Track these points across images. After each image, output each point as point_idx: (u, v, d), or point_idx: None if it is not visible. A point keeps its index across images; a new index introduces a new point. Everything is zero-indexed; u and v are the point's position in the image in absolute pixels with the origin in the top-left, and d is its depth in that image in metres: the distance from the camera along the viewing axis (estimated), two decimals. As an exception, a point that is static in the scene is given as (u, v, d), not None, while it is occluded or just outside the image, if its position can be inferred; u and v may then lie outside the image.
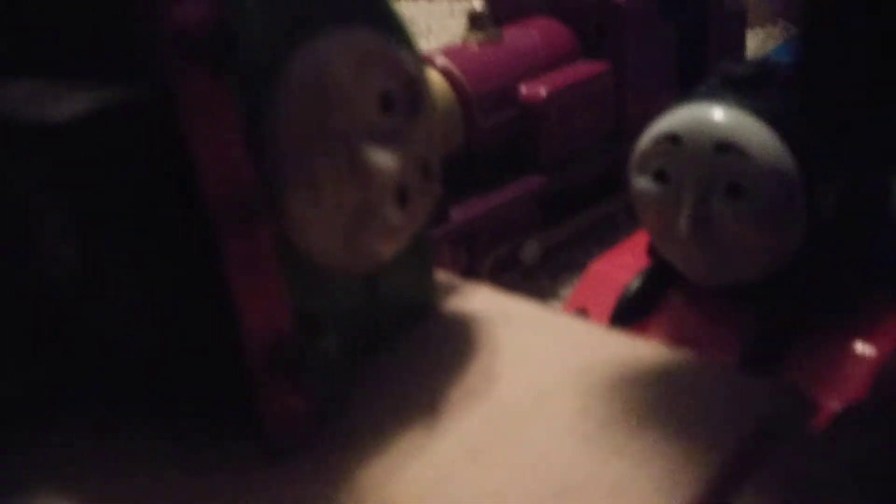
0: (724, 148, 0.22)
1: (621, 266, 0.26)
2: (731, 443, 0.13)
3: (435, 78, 0.38)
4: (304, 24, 0.14)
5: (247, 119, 0.13)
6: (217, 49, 0.11)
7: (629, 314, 0.25)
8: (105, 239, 0.14)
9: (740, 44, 0.58)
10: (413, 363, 0.16)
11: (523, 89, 0.42)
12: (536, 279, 0.40)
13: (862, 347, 0.22)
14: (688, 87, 0.26)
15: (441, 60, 0.40)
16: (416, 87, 0.16)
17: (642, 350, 0.16)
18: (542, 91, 0.41)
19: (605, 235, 0.42)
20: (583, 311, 0.26)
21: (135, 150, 0.13)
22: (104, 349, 0.16)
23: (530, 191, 0.41)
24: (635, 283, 0.25)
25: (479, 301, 0.18)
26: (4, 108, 0.14)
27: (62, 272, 0.15)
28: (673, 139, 0.23)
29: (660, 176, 0.23)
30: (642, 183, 0.23)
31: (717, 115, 0.22)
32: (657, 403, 0.14)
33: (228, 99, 0.12)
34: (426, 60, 0.38)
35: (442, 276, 0.19)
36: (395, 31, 0.16)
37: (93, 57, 0.14)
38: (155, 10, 0.11)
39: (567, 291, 0.38)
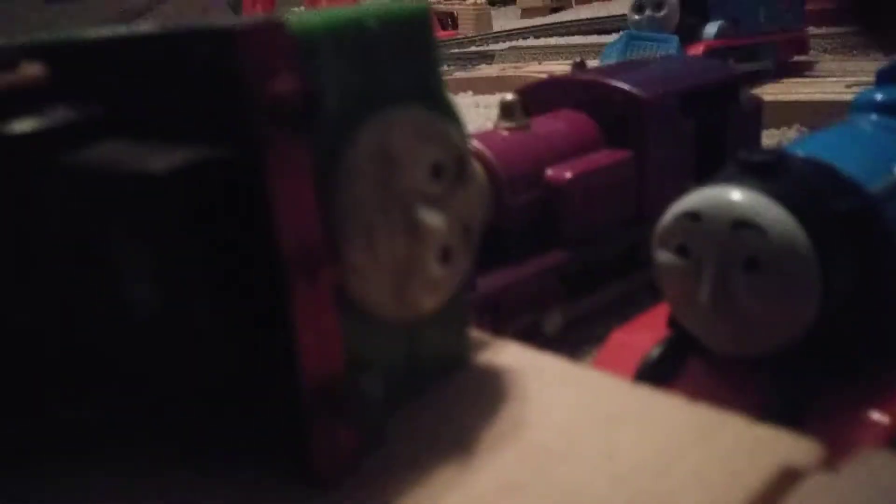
0: (741, 225, 0.24)
1: (642, 335, 0.28)
2: (753, 486, 0.14)
3: (467, 158, 0.41)
4: (371, 99, 0.16)
5: (318, 179, 0.15)
6: (304, 118, 0.13)
7: (649, 381, 0.26)
8: (183, 283, 0.16)
9: (756, 138, 0.61)
10: (448, 409, 0.18)
11: (549, 172, 0.44)
12: (557, 350, 0.41)
13: (877, 416, 0.23)
14: (706, 176, 0.28)
15: (474, 143, 0.42)
16: (462, 159, 0.18)
17: (668, 402, 0.17)
18: (567, 174, 0.44)
19: (625, 311, 0.43)
20: (603, 378, 0.27)
21: (219, 202, 0.15)
22: (168, 388, 0.17)
23: (554, 265, 0.42)
24: (656, 351, 0.26)
25: (510, 356, 0.20)
26: (100, 161, 0.16)
27: (138, 313, 0.17)
28: (694, 216, 0.24)
29: (681, 251, 0.25)
30: (665, 257, 0.25)
31: (735, 195, 0.24)
32: (681, 449, 0.15)
33: (307, 162, 0.14)
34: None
35: (475, 333, 0.21)
36: (444, 110, 0.18)
37: (184, 121, 0.16)
38: (252, 80, 0.13)
39: (587, 363, 0.39)
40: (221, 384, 0.16)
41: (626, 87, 0.47)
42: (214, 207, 0.15)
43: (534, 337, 0.41)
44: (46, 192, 0.16)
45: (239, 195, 0.15)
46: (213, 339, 0.16)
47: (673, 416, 0.16)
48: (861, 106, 0.33)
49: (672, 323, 0.26)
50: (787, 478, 0.14)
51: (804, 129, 0.95)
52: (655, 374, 0.25)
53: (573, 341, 0.42)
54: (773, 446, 0.15)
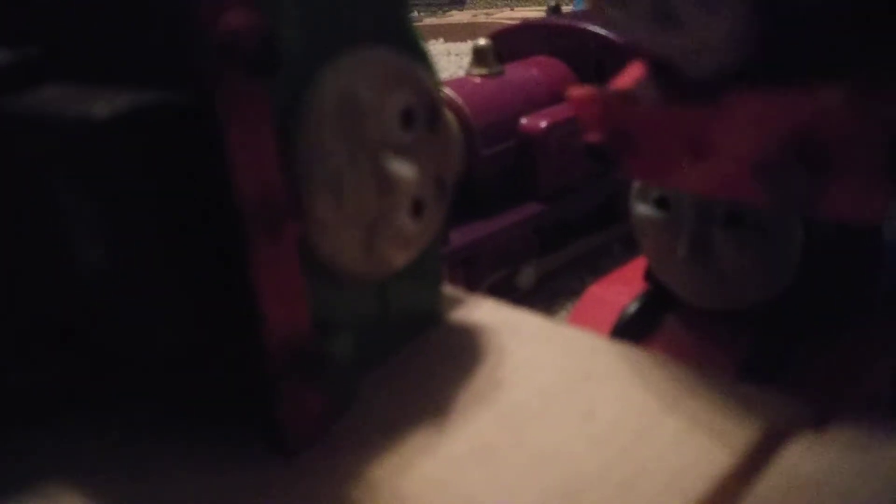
0: None
1: (619, 290, 0.27)
2: (739, 446, 0.13)
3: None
4: (336, 41, 0.15)
5: (278, 127, 0.14)
6: (260, 58, 0.12)
7: (626, 336, 0.25)
8: (134, 239, 0.15)
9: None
10: (421, 369, 0.17)
11: (523, 121, 0.43)
12: (531, 304, 0.41)
13: (856, 374, 0.22)
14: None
15: (445, 91, 0.41)
16: (434, 105, 0.16)
17: (648, 360, 0.16)
18: (542, 123, 0.42)
19: (599, 265, 0.43)
20: (579, 333, 0.27)
21: (170, 151, 0.14)
22: (124, 347, 0.16)
23: (528, 218, 0.42)
24: (633, 306, 0.26)
25: (485, 312, 0.19)
26: (42, 107, 0.14)
27: (90, 270, 0.16)
28: None
29: (660, 203, 0.24)
30: (643, 209, 0.24)
31: None
32: (663, 408, 0.15)
33: (266, 107, 0.13)
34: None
35: (448, 289, 0.20)
36: (416, 52, 0.17)
37: (130, 62, 0.15)
38: (202, 16, 0.12)
39: (561, 317, 0.39)
40: (181, 346, 0.15)
41: (602, 31, 0.46)
42: (166, 156, 0.14)
43: (507, 291, 0.40)
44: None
45: (192, 143, 0.14)
46: (170, 298, 0.15)
47: (654, 374, 0.16)
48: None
49: (649, 277, 0.26)
50: (774, 438, 0.14)
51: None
52: (632, 329, 0.25)
53: (547, 295, 0.42)
54: (758, 406, 0.14)
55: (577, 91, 0.20)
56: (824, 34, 0.15)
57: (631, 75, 0.20)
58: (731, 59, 0.16)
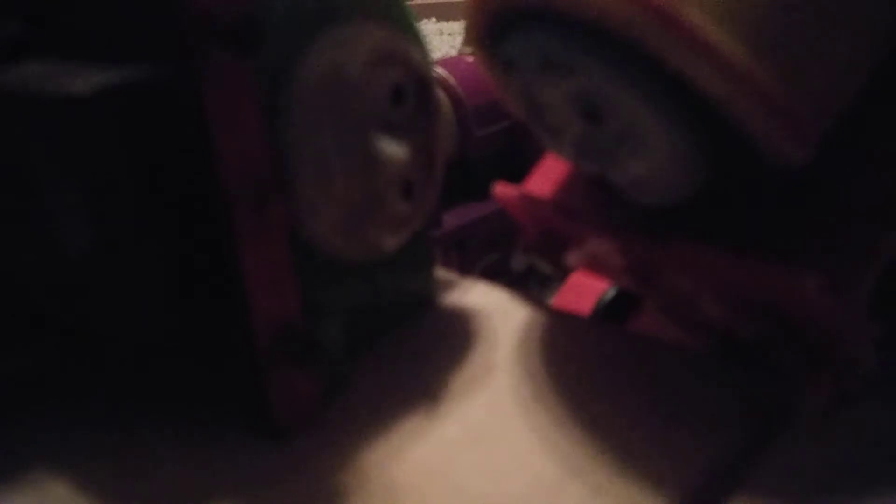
0: None
1: (599, 277, 0.27)
2: (732, 428, 0.13)
3: (431, 87, 0.39)
4: (323, 15, 0.14)
5: (265, 104, 0.13)
6: (243, 34, 0.12)
7: (605, 320, 0.25)
8: (116, 218, 0.14)
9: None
10: (414, 353, 0.17)
11: (517, 102, 0.42)
12: (525, 287, 0.41)
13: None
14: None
15: (437, 70, 0.40)
16: (425, 83, 0.16)
17: (637, 343, 0.16)
18: (536, 104, 0.42)
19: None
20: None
21: (153, 128, 0.13)
22: (111, 331, 0.16)
23: (521, 201, 0.41)
24: (611, 292, 0.25)
25: (477, 296, 0.19)
26: (22, 84, 0.14)
27: (71, 251, 0.15)
28: None
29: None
30: None
31: None
32: (655, 392, 0.14)
33: (250, 83, 0.13)
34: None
35: (441, 272, 0.20)
36: (406, 28, 0.16)
37: (112, 38, 0.14)
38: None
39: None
40: (167, 329, 0.15)
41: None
42: (148, 133, 0.13)
43: (501, 274, 0.40)
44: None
45: (175, 120, 0.13)
46: (154, 280, 0.15)
47: (645, 357, 0.15)
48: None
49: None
50: (765, 422, 0.13)
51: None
52: (610, 313, 0.25)
53: (540, 278, 0.42)
54: (748, 388, 0.14)
55: (502, 189, 0.18)
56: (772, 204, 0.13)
57: (555, 170, 0.18)
58: (674, 197, 0.14)
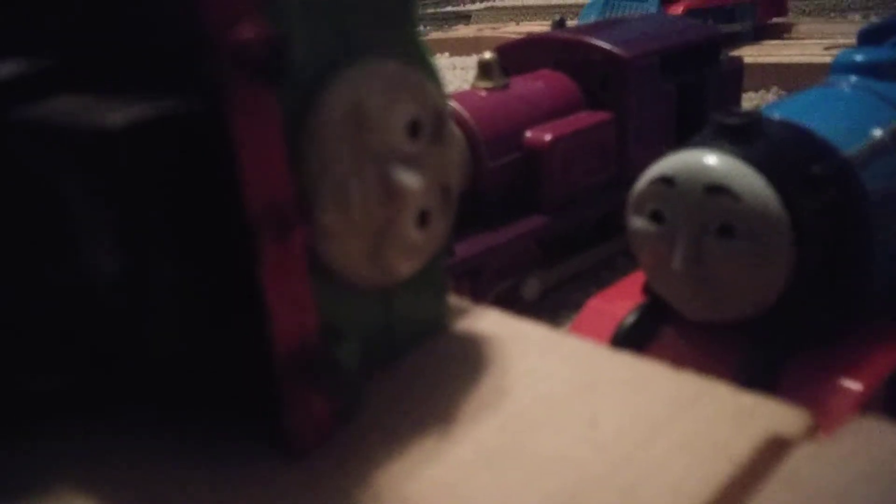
0: (714, 190, 0.23)
1: (618, 303, 0.27)
2: (741, 455, 0.13)
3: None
4: (344, 51, 0.15)
5: (287, 136, 0.14)
6: (271, 67, 0.13)
7: (624, 348, 0.25)
8: (145, 245, 0.15)
9: (737, 100, 0.60)
10: (426, 377, 0.17)
11: (528, 134, 0.43)
12: (536, 316, 0.41)
13: (849, 383, 0.23)
14: (686, 138, 0.27)
15: (451, 104, 0.41)
16: (440, 116, 0.17)
17: (650, 370, 0.16)
18: (546, 136, 0.43)
19: (603, 276, 0.43)
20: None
21: (181, 159, 0.14)
22: (136, 352, 0.16)
23: (532, 230, 0.42)
24: (630, 318, 0.26)
25: (490, 322, 0.19)
26: (56, 116, 0.15)
27: (101, 276, 0.16)
28: (667, 181, 0.24)
29: (655, 217, 0.24)
30: (639, 223, 0.25)
31: (709, 159, 0.24)
32: (665, 416, 0.15)
33: (276, 115, 0.13)
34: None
35: (454, 299, 0.20)
36: (422, 64, 0.17)
37: (142, 73, 0.15)
38: (214, 27, 0.12)
39: (566, 328, 0.39)
40: (191, 351, 0.15)
41: (607, 45, 0.46)
42: (177, 164, 0.14)
43: (512, 302, 0.40)
44: (-4, 151, 0.15)
45: (203, 151, 0.14)
46: (180, 304, 0.15)
47: (657, 383, 0.16)
48: (840, 67, 0.32)
49: (647, 290, 0.26)
50: (775, 447, 0.14)
51: (782, 91, 0.95)
52: (629, 341, 0.25)
53: (551, 306, 0.42)
54: (759, 415, 0.14)
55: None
56: None
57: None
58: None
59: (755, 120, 0.25)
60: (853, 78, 0.31)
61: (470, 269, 0.39)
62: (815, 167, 0.24)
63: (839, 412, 0.22)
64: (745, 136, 0.24)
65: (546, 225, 0.42)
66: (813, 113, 0.28)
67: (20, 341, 0.16)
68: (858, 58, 0.32)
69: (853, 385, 0.23)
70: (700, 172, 0.23)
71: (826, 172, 0.24)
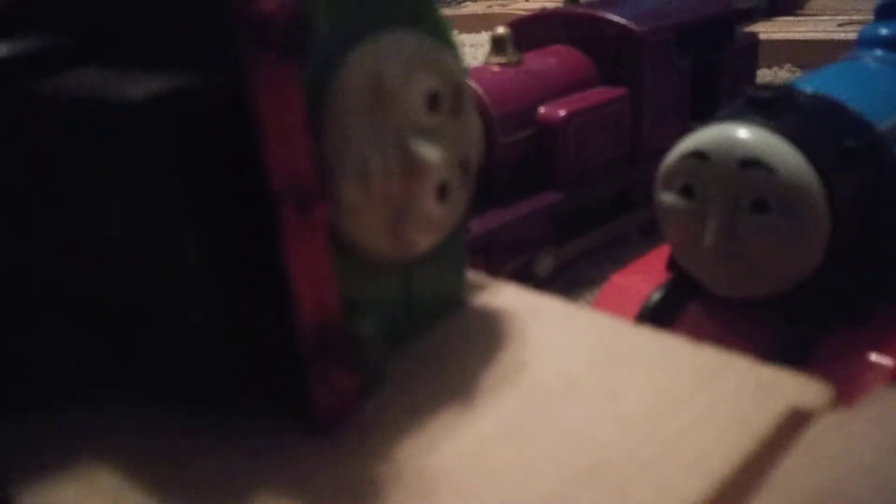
0: (749, 164, 0.23)
1: (641, 279, 0.27)
2: (763, 428, 0.13)
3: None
4: (363, 25, 0.15)
5: (308, 111, 0.14)
6: (292, 40, 0.12)
7: (650, 324, 0.25)
8: (167, 221, 0.15)
9: (752, 76, 0.59)
10: (446, 352, 0.17)
11: (542, 110, 0.43)
12: (549, 292, 0.41)
13: (880, 358, 0.22)
14: (701, 114, 0.27)
15: (464, 79, 0.41)
16: (459, 89, 0.17)
17: (672, 343, 0.16)
18: (560, 112, 0.42)
19: (617, 253, 0.43)
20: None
21: (203, 133, 0.14)
22: (156, 329, 0.16)
23: (546, 207, 0.42)
24: (656, 295, 0.26)
25: (508, 297, 0.19)
26: (78, 89, 0.15)
27: (122, 253, 0.16)
28: (700, 156, 0.24)
29: (686, 191, 0.24)
30: (668, 198, 0.24)
31: (743, 133, 0.23)
32: (688, 391, 0.15)
33: (297, 88, 0.13)
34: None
35: (471, 274, 0.20)
36: (441, 37, 0.17)
37: (165, 47, 0.15)
38: (236, 1, 0.12)
39: (579, 304, 0.39)
40: (214, 329, 0.16)
41: (621, 20, 0.45)
42: (198, 139, 0.14)
43: (525, 279, 0.40)
44: (19, 125, 0.15)
45: (226, 125, 0.14)
46: (203, 281, 0.15)
47: (678, 357, 0.16)
48: (866, 41, 0.32)
49: (672, 266, 0.26)
50: (797, 419, 0.14)
51: (795, 69, 0.94)
52: (656, 318, 0.25)
53: (565, 283, 0.42)
54: (781, 388, 0.14)
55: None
56: None
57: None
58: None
59: (787, 93, 0.25)
60: (878, 52, 0.31)
61: (483, 245, 0.38)
62: (850, 140, 0.24)
63: (870, 388, 0.22)
64: (777, 110, 0.24)
65: (559, 201, 0.42)
66: (843, 86, 0.28)
67: (40, 319, 0.17)
68: (884, 31, 0.32)
69: (885, 361, 0.22)
70: (734, 146, 0.23)
71: (860, 146, 0.24)
